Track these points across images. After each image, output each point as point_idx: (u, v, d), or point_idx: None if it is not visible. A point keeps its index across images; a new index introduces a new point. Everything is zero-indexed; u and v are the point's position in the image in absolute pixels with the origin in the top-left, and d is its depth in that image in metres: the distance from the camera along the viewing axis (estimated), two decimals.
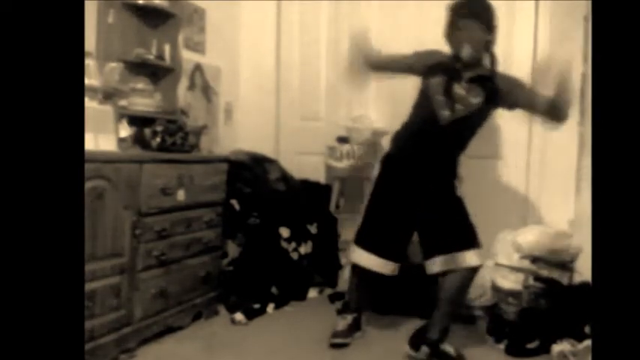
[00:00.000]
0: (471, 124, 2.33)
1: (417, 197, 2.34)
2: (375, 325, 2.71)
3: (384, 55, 2.47)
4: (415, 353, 2.32)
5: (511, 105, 2.34)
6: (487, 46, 2.29)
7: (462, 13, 2.23)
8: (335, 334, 2.46)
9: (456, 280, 2.27)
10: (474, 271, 2.30)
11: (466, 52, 2.22)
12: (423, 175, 2.34)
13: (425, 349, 2.30)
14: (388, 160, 2.44)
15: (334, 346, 2.42)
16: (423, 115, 2.34)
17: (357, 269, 2.47)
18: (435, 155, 2.34)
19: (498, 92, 2.28)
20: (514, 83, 2.32)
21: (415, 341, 2.34)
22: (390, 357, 2.37)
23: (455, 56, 2.28)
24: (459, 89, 2.27)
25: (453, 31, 2.26)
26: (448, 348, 2.30)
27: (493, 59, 2.32)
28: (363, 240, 2.41)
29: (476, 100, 2.27)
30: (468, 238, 2.28)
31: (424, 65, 2.34)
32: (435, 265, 2.30)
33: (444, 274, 2.29)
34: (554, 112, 2.24)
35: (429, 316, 2.41)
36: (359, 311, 2.58)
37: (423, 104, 2.34)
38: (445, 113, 2.26)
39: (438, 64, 2.30)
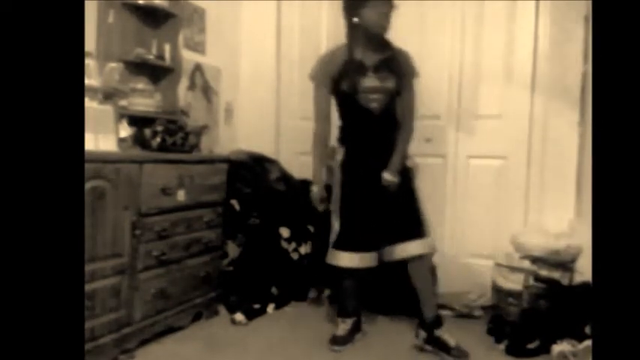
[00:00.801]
0: (399, 103, 2.42)
1: (377, 188, 2.39)
2: (374, 325, 2.71)
3: (316, 134, 2.53)
4: (416, 340, 2.41)
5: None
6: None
7: None
8: (335, 340, 2.46)
9: (412, 270, 2.38)
10: (423, 258, 2.38)
11: (378, 26, 2.31)
12: (375, 166, 2.39)
13: (422, 333, 2.39)
14: (345, 165, 2.47)
15: (333, 351, 2.42)
16: (354, 116, 2.42)
17: (344, 273, 2.50)
18: (380, 143, 2.41)
19: (396, 69, 2.38)
20: (406, 68, 2.42)
21: (418, 330, 2.44)
22: (390, 356, 2.37)
23: (351, 49, 2.35)
24: (370, 82, 2.34)
25: (359, 9, 2.31)
26: (446, 336, 2.35)
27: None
28: (344, 244, 2.44)
29: (390, 84, 2.36)
30: (413, 229, 2.37)
31: (330, 79, 2.40)
32: (384, 255, 2.41)
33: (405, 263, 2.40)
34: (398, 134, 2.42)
35: None
36: (358, 314, 2.59)
37: (350, 107, 2.42)
38: (372, 107, 2.36)
39: (342, 68, 2.36)
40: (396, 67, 2.38)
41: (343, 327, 2.51)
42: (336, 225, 2.46)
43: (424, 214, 2.44)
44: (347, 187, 2.45)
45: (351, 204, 2.44)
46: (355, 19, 2.33)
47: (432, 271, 2.53)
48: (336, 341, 2.45)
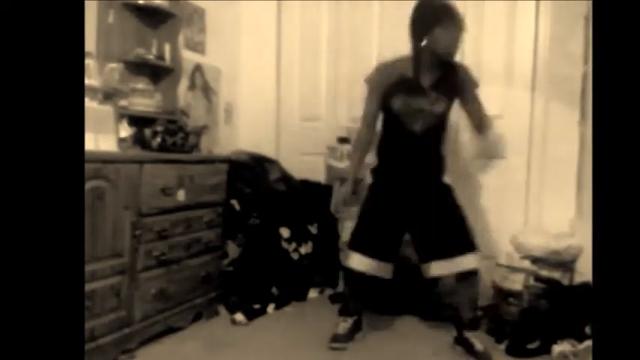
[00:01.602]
0: (441, 125, 2.41)
1: (409, 201, 2.39)
2: (374, 325, 2.70)
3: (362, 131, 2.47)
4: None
5: (460, 100, 2.41)
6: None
7: (445, 14, 2.24)
8: (335, 338, 2.45)
9: (463, 282, 2.35)
10: (472, 274, 2.35)
11: (448, 50, 2.26)
12: (410, 181, 2.40)
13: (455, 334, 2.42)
14: (377, 172, 2.50)
15: (333, 349, 2.42)
16: (395, 131, 2.40)
17: (352, 274, 2.49)
18: (416, 161, 2.40)
19: (456, 87, 2.34)
20: (469, 82, 2.39)
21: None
22: (390, 356, 2.37)
23: (415, 63, 2.29)
24: (422, 103, 2.31)
25: (431, 29, 2.23)
26: (477, 342, 2.34)
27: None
28: (359, 244, 2.44)
29: (440, 107, 2.33)
30: (464, 242, 2.34)
31: (385, 87, 2.35)
32: (433, 269, 2.35)
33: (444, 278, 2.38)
34: (481, 130, 2.46)
35: (427, 317, 2.43)
36: (359, 314, 2.59)
37: (393, 121, 2.39)
38: (415, 128, 2.34)
39: (397, 84, 2.33)
40: (452, 85, 2.32)
41: (344, 326, 2.51)
42: (352, 224, 2.49)
43: (471, 227, 2.42)
44: (373, 190, 2.48)
45: (372, 206, 2.45)
46: (424, 43, 2.24)
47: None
48: (337, 339, 2.45)
